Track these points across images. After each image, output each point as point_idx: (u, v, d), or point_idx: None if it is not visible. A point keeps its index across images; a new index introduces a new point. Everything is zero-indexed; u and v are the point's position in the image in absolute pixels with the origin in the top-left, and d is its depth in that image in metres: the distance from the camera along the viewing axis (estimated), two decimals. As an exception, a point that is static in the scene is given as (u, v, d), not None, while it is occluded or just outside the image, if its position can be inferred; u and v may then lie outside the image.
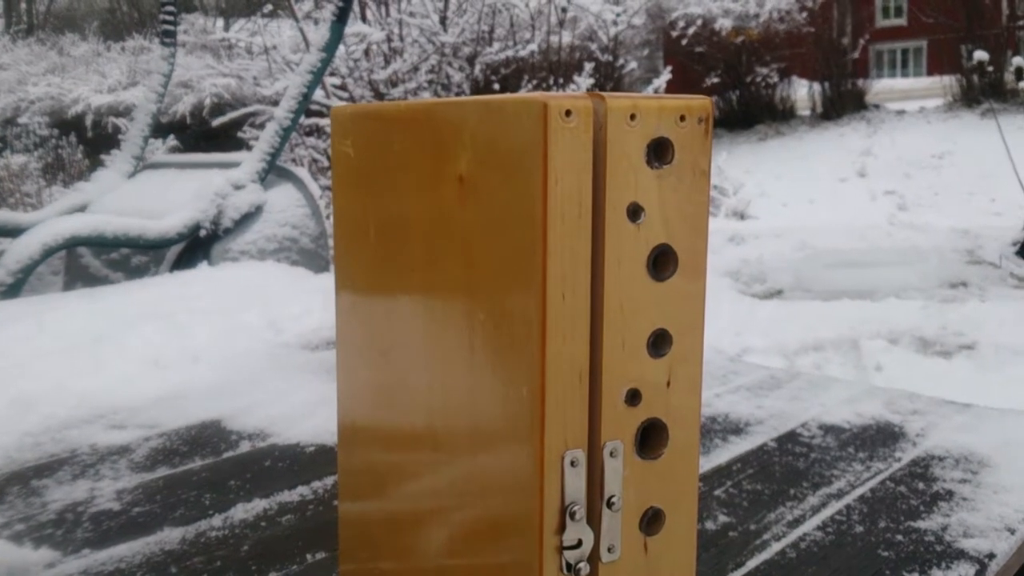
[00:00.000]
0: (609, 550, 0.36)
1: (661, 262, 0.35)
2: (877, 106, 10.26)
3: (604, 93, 0.33)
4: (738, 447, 0.89)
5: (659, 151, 0.34)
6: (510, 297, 0.35)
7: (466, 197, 0.34)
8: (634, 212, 0.34)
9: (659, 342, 0.35)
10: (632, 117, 0.33)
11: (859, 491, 0.79)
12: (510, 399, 0.35)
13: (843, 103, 10.09)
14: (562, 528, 0.34)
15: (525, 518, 0.34)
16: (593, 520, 0.36)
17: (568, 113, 0.34)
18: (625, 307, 0.35)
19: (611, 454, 0.35)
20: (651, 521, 0.37)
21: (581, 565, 0.35)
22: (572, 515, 0.35)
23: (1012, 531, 0.71)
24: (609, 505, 0.36)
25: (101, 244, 2.22)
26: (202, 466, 0.87)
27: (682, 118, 0.34)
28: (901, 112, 9.87)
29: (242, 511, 0.76)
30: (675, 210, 0.34)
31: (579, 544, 0.35)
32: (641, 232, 0.34)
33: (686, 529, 0.37)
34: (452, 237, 0.36)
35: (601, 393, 0.35)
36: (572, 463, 0.34)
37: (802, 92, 10.55)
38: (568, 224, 0.33)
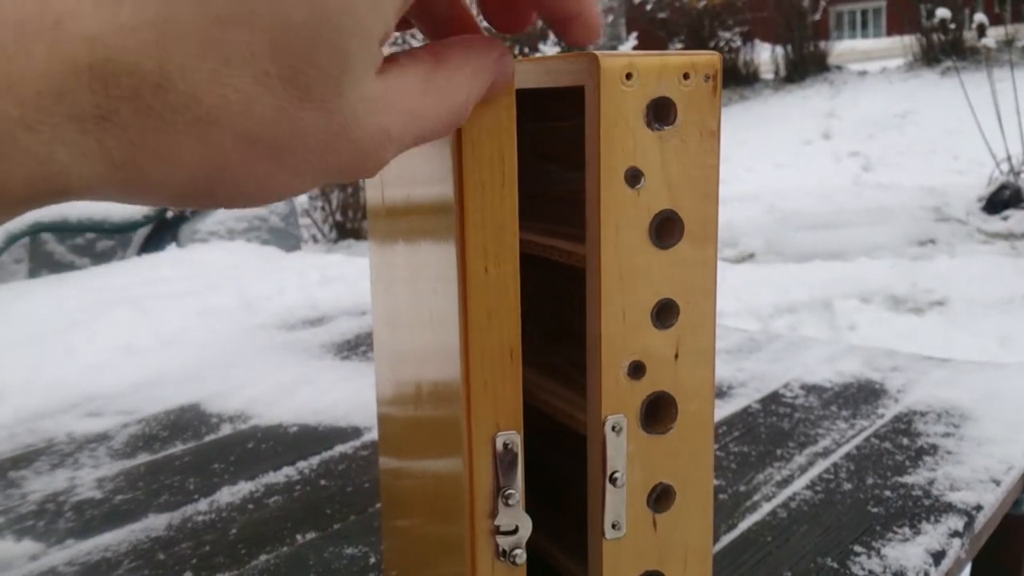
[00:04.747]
0: (614, 526, 0.35)
1: (665, 229, 0.33)
2: (839, 67, 10.31)
3: (597, 52, 0.32)
4: (723, 410, 0.89)
5: (660, 112, 0.32)
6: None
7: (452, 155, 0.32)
8: (633, 177, 0.32)
9: (664, 312, 0.34)
10: (628, 76, 0.31)
11: (845, 449, 0.79)
12: (448, 375, 0.33)
13: (805, 66, 10.13)
14: (495, 512, 0.33)
15: (458, 500, 0.33)
16: (596, 496, 0.35)
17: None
18: (625, 276, 0.33)
19: (613, 428, 0.34)
20: (660, 498, 0.35)
21: (517, 552, 0.33)
22: (506, 499, 0.33)
23: (997, 482, 0.72)
24: (612, 481, 0.35)
25: (65, 229, 2.17)
26: (184, 451, 0.85)
27: (686, 76, 0.32)
28: (863, 73, 9.93)
29: (228, 494, 0.75)
30: (680, 174, 0.33)
31: (516, 530, 0.33)
32: (641, 198, 0.33)
33: (700, 506, 0.36)
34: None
35: (601, 365, 0.34)
36: (505, 446, 0.33)
37: (765, 56, 10.56)
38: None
